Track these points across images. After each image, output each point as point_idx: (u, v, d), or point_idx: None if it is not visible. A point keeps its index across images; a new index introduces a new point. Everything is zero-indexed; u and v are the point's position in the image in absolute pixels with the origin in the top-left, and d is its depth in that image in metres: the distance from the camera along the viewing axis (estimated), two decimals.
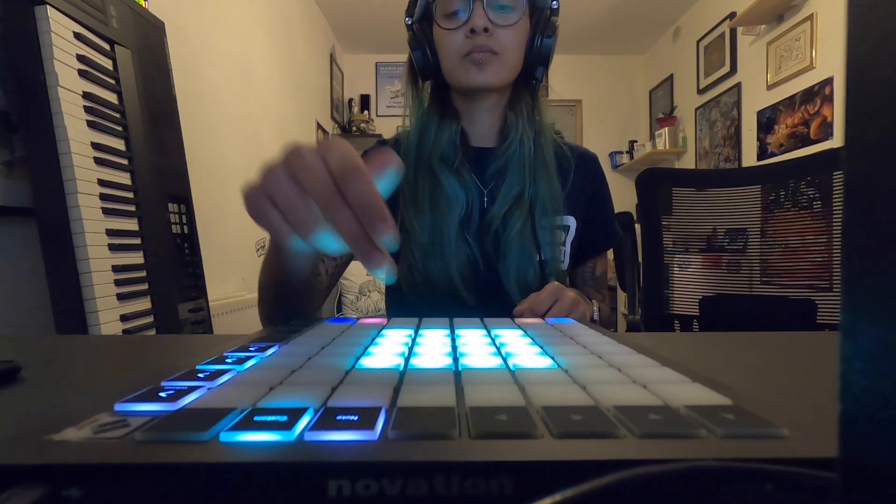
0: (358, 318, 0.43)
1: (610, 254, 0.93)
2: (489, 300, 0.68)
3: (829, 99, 2.33)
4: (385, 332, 0.36)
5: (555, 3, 0.70)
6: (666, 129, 3.71)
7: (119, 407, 0.19)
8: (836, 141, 2.28)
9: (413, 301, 0.70)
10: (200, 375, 0.23)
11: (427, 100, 0.76)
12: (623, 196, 2.32)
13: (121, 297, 1.02)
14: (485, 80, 0.68)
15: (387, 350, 0.30)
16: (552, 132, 0.75)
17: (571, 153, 0.75)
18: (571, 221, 0.74)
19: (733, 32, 3.06)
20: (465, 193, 0.69)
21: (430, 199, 0.69)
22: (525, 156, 0.70)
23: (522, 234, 0.68)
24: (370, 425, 0.16)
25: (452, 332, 0.36)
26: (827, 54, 2.35)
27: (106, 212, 1.02)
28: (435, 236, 0.68)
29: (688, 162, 3.65)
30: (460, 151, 0.71)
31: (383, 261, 0.27)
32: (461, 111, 0.75)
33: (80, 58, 1.00)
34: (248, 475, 0.14)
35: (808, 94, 2.45)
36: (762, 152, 2.83)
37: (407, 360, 0.27)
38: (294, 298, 0.54)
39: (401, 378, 0.23)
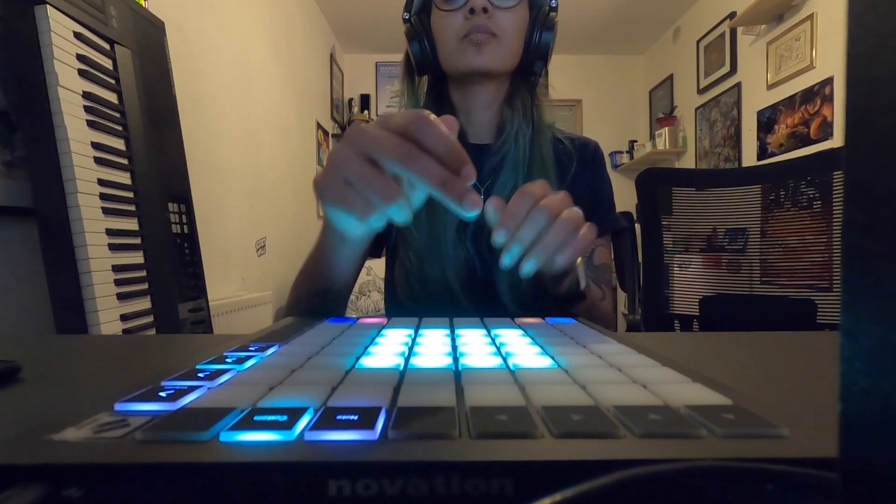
0: (358, 318, 0.43)
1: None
2: (487, 303, 0.68)
3: (829, 99, 2.33)
4: (385, 332, 0.36)
5: (553, 1, 0.71)
6: (666, 129, 3.71)
7: (119, 407, 0.19)
8: (836, 141, 2.29)
9: (411, 305, 0.70)
10: (200, 375, 0.23)
11: (423, 97, 0.75)
12: (623, 196, 2.32)
13: (121, 296, 1.02)
14: (483, 63, 0.68)
15: (387, 350, 0.30)
16: (551, 129, 0.75)
17: (573, 145, 0.75)
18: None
19: (733, 32, 3.06)
20: None
21: (426, 203, 0.69)
22: (520, 153, 0.69)
23: None
24: (370, 425, 0.16)
25: (452, 332, 0.36)
26: (827, 54, 2.35)
27: (106, 212, 1.02)
28: (432, 240, 0.68)
29: (688, 162, 3.65)
30: None
31: (478, 199, 0.28)
32: (458, 106, 0.74)
33: (80, 58, 1.00)
34: (248, 475, 0.14)
35: (808, 94, 2.45)
36: (762, 152, 2.83)
37: (407, 360, 0.27)
38: (334, 305, 0.56)
39: (401, 378, 0.23)
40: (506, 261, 0.43)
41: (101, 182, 1.02)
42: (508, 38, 0.68)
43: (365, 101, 4.12)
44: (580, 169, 0.74)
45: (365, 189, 0.30)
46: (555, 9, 0.71)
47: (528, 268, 0.43)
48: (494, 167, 0.70)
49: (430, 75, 0.75)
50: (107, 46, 1.10)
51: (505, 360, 0.27)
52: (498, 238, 0.42)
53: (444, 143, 0.28)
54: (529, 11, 0.70)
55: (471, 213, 0.29)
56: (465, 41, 0.67)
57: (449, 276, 0.66)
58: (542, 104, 0.75)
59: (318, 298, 0.56)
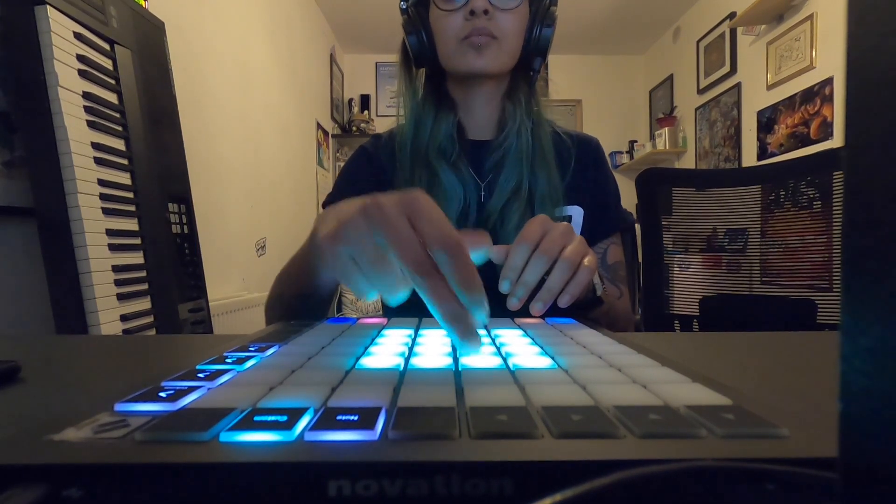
0: (358, 318, 0.43)
1: None
2: (489, 297, 0.67)
3: (829, 99, 2.33)
4: (385, 332, 0.36)
5: None
6: (666, 129, 3.72)
7: (119, 407, 0.19)
8: (836, 141, 2.29)
9: (411, 301, 0.69)
10: (200, 375, 0.23)
11: (421, 89, 0.74)
12: (623, 196, 2.31)
13: (121, 297, 1.02)
14: (483, 65, 0.67)
15: (387, 350, 0.30)
16: (550, 124, 0.74)
17: (572, 141, 0.74)
18: (576, 211, 0.72)
19: (733, 32, 3.06)
20: (462, 188, 0.69)
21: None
22: (523, 148, 0.69)
23: (520, 227, 0.67)
24: (370, 425, 0.16)
25: None
26: (827, 54, 2.35)
27: (106, 212, 1.02)
28: None
29: (688, 162, 3.65)
30: (457, 144, 0.70)
31: (479, 345, 0.27)
32: (457, 101, 0.73)
33: (80, 58, 1.00)
34: (248, 475, 0.14)
35: (808, 94, 2.45)
36: (762, 152, 2.83)
37: (407, 360, 0.27)
38: (317, 307, 0.54)
39: (401, 378, 0.23)
40: (512, 302, 0.45)
41: (101, 182, 1.02)
42: (509, 39, 0.67)
43: (365, 101, 4.12)
44: (582, 167, 0.73)
45: (371, 276, 0.29)
46: (555, 1, 0.70)
47: (537, 308, 0.44)
48: (496, 162, 0.69)
49: (428, 68, 0.74)
50: (107, 46, 1.10)
51: (505, 360, 0.27)
52: (503, 287, 0.45)
53: (469, 284, 0.27)
54: (529, 6, 0.69)
55: (471, 352, 0.27)
56: (465, 43, 0.66)
57: None
58: (541, 98, 0.75)
59: (301, 301, 0.54)
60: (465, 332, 0.26)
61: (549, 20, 0.69)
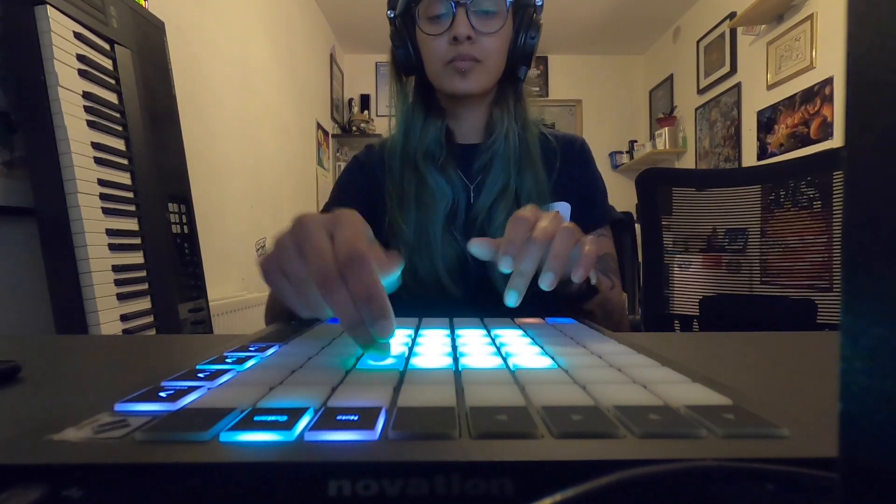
0: None
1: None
2: (479, 294, 0.68)
3: (829, 99, 2.33)
4: None
5: (539, 0, 0.71)
6: (666, 129, 3.71)
7: (119, 407, 0.19)
8: (836, 141, 2.29)
9: (405, 298, 0.70)
10: (200, 375, 0.23)
11: (411, 95, 0.76)
12: (623, 196, 2.32)
13: (121, 297, 1.02)
14: (468, 88, 0.69)
15: None
16: (537, 126, 0.76)
17: (557, 142, 0.75)
18: (564, 207, 0.73)
19: (733, 32, 3.06)
20: (450, 189, 0.70)
21: (415, 197, 0.70)
22: (510, 150, 0.70)
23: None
24: (370, 425, 0.16)
25: (452, 332, 0.36)
26: (827, 54, 2.35)
27: (106, 212, 1.02)
28: (421, 233, 0.68)
29: (688, 162, 3.65)
30: (445, 148, 0.71)
31: (384, 351, 0.27)
32: (446, 108, 0.75)
33: (80, 58, 1.00)
34: (248, 475, 0.14)
35: (808, 94, 2.45)
36: (762, 152, 2.83)
37: (407, 360, 0.27)
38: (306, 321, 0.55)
39: (401, 378, 0.23)
40: (511, 297, 0.41)
41: (101, 182, 1.02)
42: (492, 59, 0.69)
43: (365, 101, 4.12)
44: (568, 164, 0.74)
45: (299, 292, 0.31)
46: (539, 10, 0.71)
47: (548, 279, 0.40)
48: (484, 165, 0.71)
49: (416, 77, 0.76)
50: (107, 46, 1.10)
51: (505, 360, 0.27)
52: (504, 267, 0.41)
53: (364, 297, 0.27)
54: (514, 17, 0.70)
55: (377, 358, 0.28)
56: (450, 67, 0.68)
57: (438, 268, 0.67)
58: (528, 102, 0.76)
59: (288, 315, 0.55)
60: (365, 341, 0.27)
61: (534, 31, 0.70)
